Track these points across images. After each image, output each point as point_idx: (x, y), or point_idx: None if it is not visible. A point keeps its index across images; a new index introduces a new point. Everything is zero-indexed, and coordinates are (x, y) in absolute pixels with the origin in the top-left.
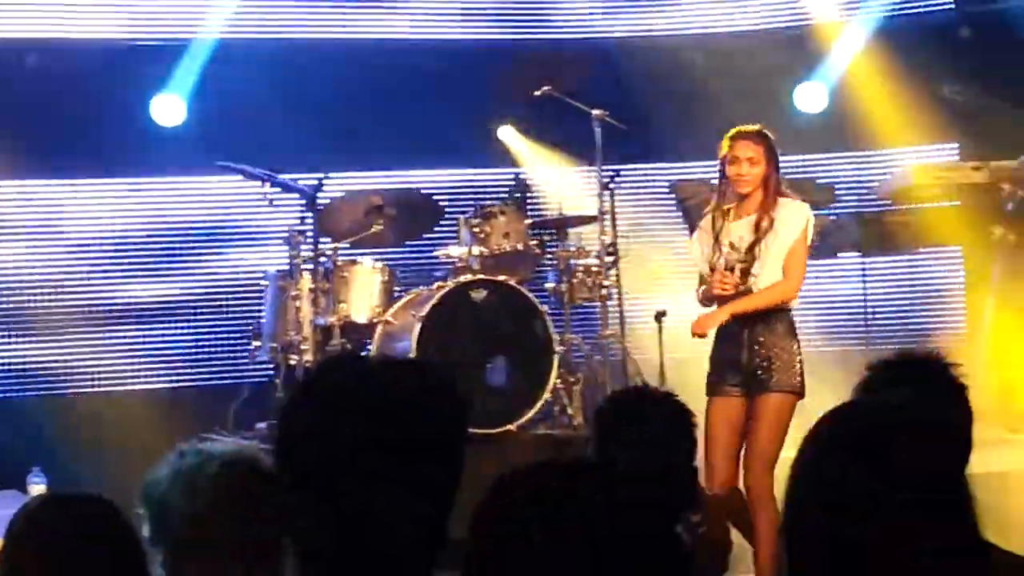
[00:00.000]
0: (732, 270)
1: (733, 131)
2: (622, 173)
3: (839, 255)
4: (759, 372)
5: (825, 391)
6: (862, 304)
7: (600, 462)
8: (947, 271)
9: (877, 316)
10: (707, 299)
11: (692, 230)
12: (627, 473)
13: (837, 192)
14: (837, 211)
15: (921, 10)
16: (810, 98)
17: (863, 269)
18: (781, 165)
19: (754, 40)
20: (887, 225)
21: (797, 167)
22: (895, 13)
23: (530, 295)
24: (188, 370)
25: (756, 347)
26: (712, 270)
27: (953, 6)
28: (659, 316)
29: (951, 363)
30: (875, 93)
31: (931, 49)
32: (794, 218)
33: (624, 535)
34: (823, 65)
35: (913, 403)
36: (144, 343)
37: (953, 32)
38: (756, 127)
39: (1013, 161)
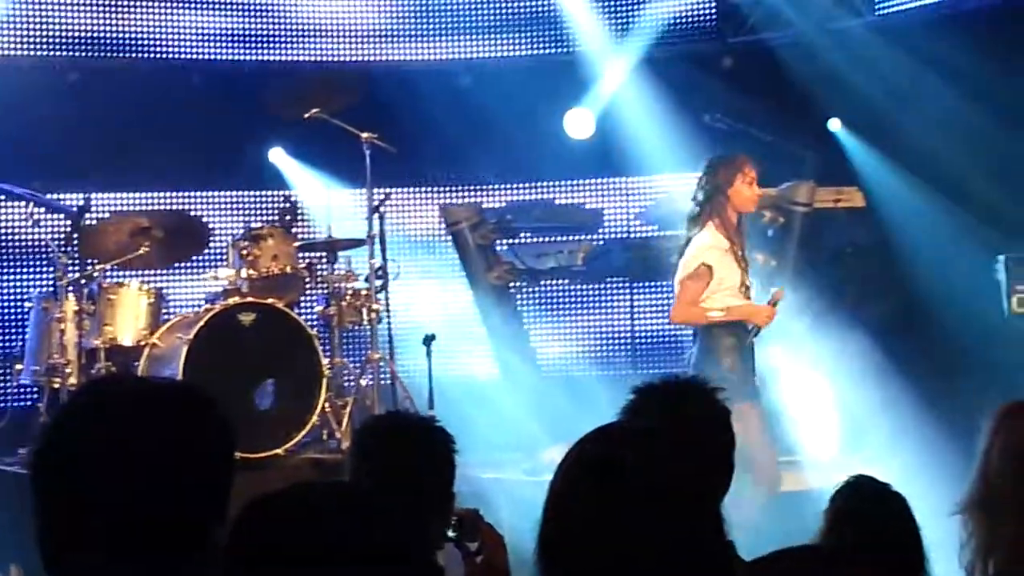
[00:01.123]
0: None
1: (740, 155)
2: (392, 196)
3: (606, 280)
4: (758, 380)
5: (593, 416)
6: (629, 329)
7: (353, 485)
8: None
9: (644, 340)
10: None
11: (461, 253)
12: (379, 496)
13: (604, 217)
14: (604, 236)
15: (686, 39)
16: (578, 124)
17: (630, 294)
18: (549, 190)
19: (524, 65)
20: (653, 251)
21: (565, 192)
22: (661, 42)
23: (299, 318)
24: None
25: (755, 357)
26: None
27: (717, 36)
28: (428, 339)
29: (715, 387)
30: (641, 120)
31: (695, 78)
32: None
33: (372, 559)
34: (591, 92)
35: (661, 426)
36: None
37: (717, 62)
38: None
39: (773, 189)
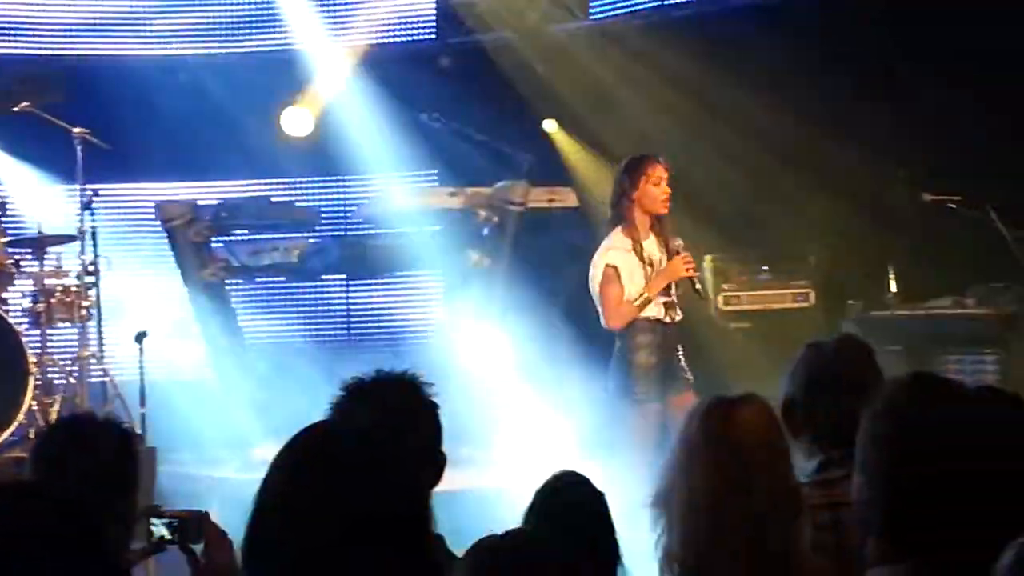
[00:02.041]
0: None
1: (646, 157)
2: (104, 192)
3: (322, 278)
4: (683, 374)
5: (307, 413)
6: (345, 325)
7: (32, 486)
8: (426, 294)
9: (360, 337)
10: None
11: (176, 250)
12: (62, 499)
13: (321, 215)
14: (320, 234)
15: (404, 39)
16: (296, 122)
17: (346, 291)
18: (266, 189)
19: (242, 62)
20: (369, 248)
21: (282, 190)
22: (379, 40)
23: (5, 315)
24: None
25: (678, 352)
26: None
27: (435, 36)
28: (140, 337)
29: (424, 384)
30: (359, 118)
31: (413, 77)
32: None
33: (52, 560)
34: (309, 89)
35: (370, 422)
36: None
37: (434, 61)
38: None
39: (487, 188)
